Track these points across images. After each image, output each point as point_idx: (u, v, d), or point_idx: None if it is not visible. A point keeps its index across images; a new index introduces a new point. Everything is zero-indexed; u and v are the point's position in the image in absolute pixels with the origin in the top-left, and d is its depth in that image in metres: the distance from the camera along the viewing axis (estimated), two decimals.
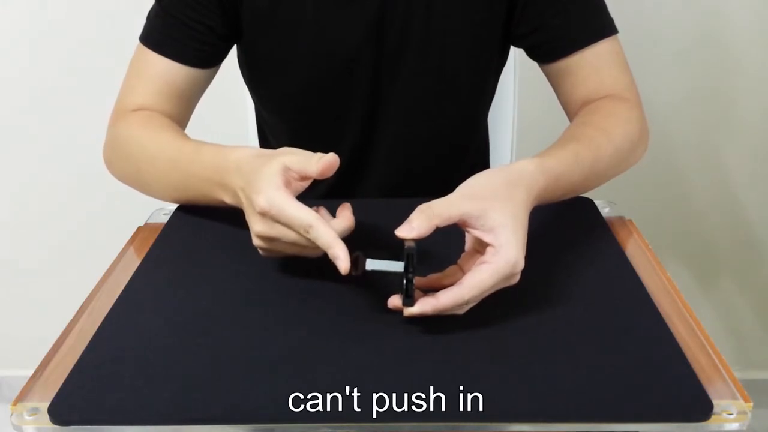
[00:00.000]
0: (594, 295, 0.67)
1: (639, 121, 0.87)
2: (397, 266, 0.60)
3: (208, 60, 0.91)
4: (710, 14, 1.38)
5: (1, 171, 1.56)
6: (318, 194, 1.01)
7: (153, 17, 0.90)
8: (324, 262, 0.62)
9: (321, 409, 0.54)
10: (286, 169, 0.65)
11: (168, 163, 0.80)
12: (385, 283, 0.64)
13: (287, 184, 0.64)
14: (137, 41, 0.90)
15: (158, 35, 0.89)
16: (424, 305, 0.60)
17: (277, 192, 0.63)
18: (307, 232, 0.62)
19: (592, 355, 0.59)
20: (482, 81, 0.97)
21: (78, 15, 1.41)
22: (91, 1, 1.40)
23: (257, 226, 0.65)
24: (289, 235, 0.64)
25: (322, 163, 0.64)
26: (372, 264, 0.61)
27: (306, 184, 0.67)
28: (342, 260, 0.60)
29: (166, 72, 0.89)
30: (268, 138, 1.06)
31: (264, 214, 0.64)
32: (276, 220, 0.63)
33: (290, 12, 0.88)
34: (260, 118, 1.05)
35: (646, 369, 0.57)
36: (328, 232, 0.61)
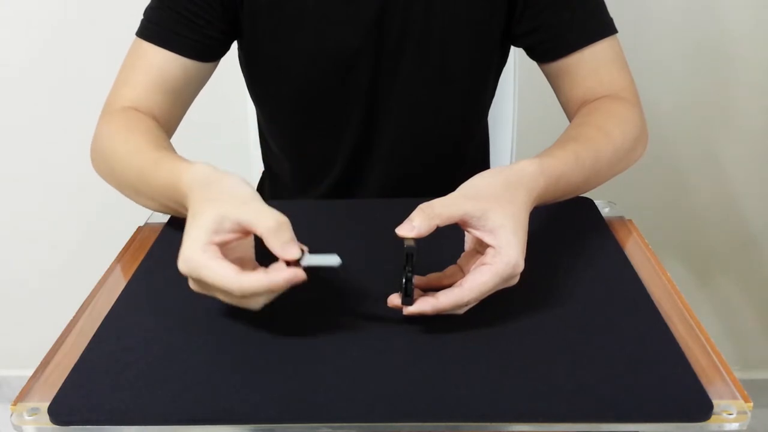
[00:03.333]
0: (594, 295, 0.67)
1: (638, 121, 0.87)
2: (333, 260, 0.58)
3: (205, 53, 0.90)
4: (711, 15, 1.38)
5: (2, 170, 1.56)
6: (318, 194, 1.01)
7: (150, 11, 0.89)
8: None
9: (321, 409, 0.54)
10: (222, 221, 0.59)
11: (133, 173, 0.78)
12: (385, 282, 0.64)
13: (216, 237, 0.59)
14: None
15: (155, 27, 0.88)
16: (423, 305, 0.60)
17: (197, 253, 0.58)
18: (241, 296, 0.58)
19: (591, 355, 0.59)
20: (482, 81, 0.97)
21: (79, 15, 1.41)
22: (91, 1, 1.40)
23: (189, 282, 0.61)
24: (216, 293, 0.60)
25: (287, 265, 0.58)
26: (309, 259, 0.58)
27: (244, 239, 0.62)
28: (294, 279, 0.58)
29: (161, 64, 0.87)
30: (268, 140, 1.06)
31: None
32: (197, 278, 0.59)
33: (290, 11, 0.88)
34: (260, 119, 1.05)
35: (647, 369, 0.57)
36: (257, 279, 0.57)
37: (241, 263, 0.60)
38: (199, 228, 0.60)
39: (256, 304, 0.60)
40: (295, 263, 0.58)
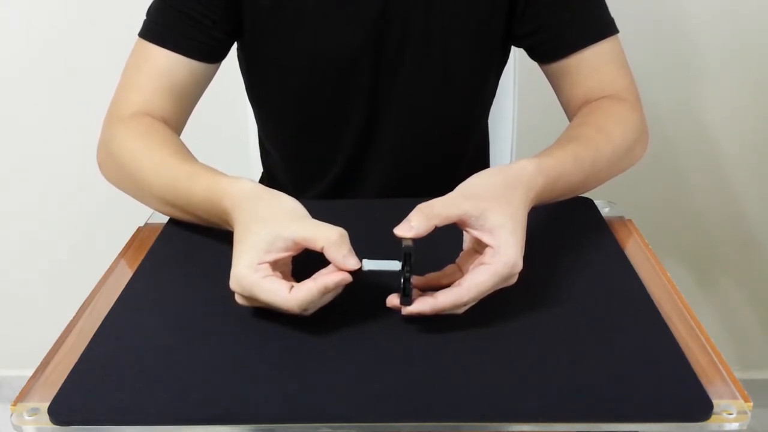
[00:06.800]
0: (594, 295, 0.67)
1: (638, 121, 0.87)
2: (394, 265, 0.60)
3: (212, 54, 0.89)
4: (712, 15, 1.38)
5: (1, 170, 1.56)
6: (318, 194, 1.01)
7: (154, 11, 0.88)
8: (323, 262, 0.62)
9: (321, 409, 0.54)
10: (275, 240, 0.61)
11: (163, 185, 0.77)
12: (384, 282, 0.64)
13: (268, 257, 0.60)
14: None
15: (161, 29, 0.87)
16: (422, 305, 0.60)
17: (249, 273, 0.60)
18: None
19: (591, 355, 0.59)
20: (483, 81, 0.97)
21: (79, 15, 1.41)
22: (91, 1, 1.40)
23: (236, 297, 0.63)
24: (269, 308, 0.61)
25: (348, 267, 0.60)
26: (369, 264, 0.61)
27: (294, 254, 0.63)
28: (344, 280, 0.60)
29: (168, 66, 0.87)
30: (264, 141, 1.06)
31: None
32: (249, 296, 0.61)
33: (291, 11, 0.88)
34: (257, 120, 1.05)
35: (647, 369, 0.57)
36: (308, 289, 0.59)
37: (282, 278, 0.62)
38: (251, 248, 0.61)
39: (314, 308, 0.61)
40: (354, 272, 0.60)
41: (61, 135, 1.51)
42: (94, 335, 0.63)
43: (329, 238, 0.60)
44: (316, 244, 0.60)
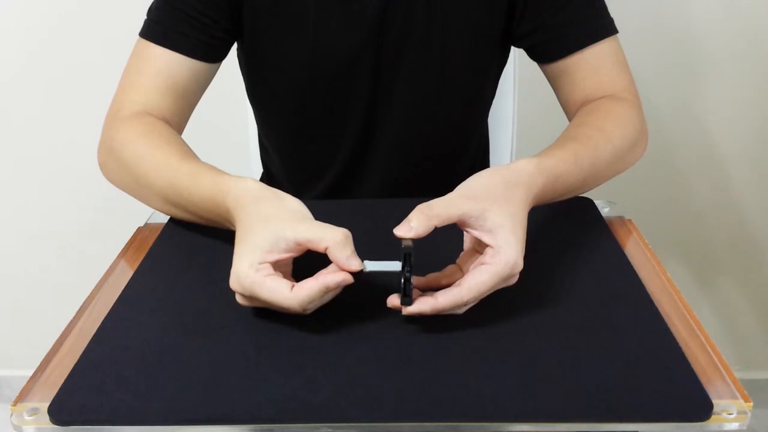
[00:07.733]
0: (594, 295, 0.67)
1: (637, 121, 0.87)
2: (395, 266, 0.60)
3: (212, 53, 0.89)
4: (712, 16, 1.38)
5: (1, 171, 1.56)
6: (318, 193, 1.01)
7: (154, 11, 0.88)
8: (325, 262, 0.62)
9: (321, 409, 0.54)
10: (277, 240, 0.61)
11: (165, 184, 0.77)
12: (384, 282, 0.64)
13: (269, 257, 0.60)
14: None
15: (161, 28, 0.87)
16: (422, 305, 0.60)
17: (251, 272, 0.60)
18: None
19: (591, 355, 0.59)
20: (482, 81, 0.97)
21: (77, 13, 1.41)
22: (91, 1, 1.40)
23: (237, 297, 0.63)
24: (270, 307, 0.62)
25: (352, 268, 0.60)
26: (371, 265, 0.61)
27: (296, 254, 0.62)
28: (345, 280, 0.60)
29: (169, 66, 0.86)
30: (264, 141, 1.06)
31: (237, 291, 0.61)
32: (250, 295, 0.61)
33: (292, 10, 0.88)
34: (257, 120, 1.05)
35: (646, 369, 0.57)
36: (309, 288, 0.59)
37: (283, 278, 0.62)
38: (253, 247, 0.61)
39: (314, 307, 0.61)
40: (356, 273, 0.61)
41: (60, 135, 1.51)
42: (94, 335, 0.63)
43: (334, 239, 0.60)
44: (320, 245, 0.60)
